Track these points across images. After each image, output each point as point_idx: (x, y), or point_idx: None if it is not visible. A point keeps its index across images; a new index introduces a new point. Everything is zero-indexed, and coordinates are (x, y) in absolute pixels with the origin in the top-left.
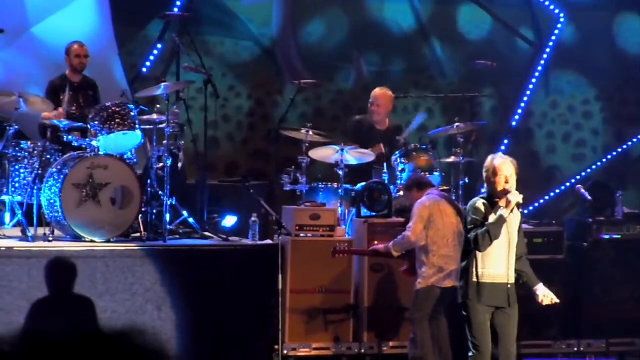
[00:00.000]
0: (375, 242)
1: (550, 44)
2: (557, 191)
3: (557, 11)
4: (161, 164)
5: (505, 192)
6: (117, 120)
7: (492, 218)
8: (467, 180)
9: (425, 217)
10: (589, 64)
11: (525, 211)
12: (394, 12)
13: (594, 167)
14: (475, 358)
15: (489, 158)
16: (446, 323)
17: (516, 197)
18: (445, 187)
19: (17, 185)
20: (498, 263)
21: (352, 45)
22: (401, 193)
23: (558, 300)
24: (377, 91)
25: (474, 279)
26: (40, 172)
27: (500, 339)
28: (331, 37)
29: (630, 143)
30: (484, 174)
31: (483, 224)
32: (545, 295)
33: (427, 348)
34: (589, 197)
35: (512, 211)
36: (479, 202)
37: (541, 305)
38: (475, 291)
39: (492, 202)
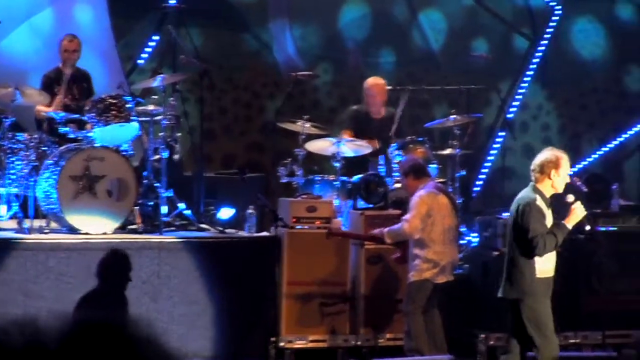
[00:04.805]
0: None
1: (547, 36)
2: None
3: (553, 3)
4: (157, 156)
5: (567, 191)
6: (113, 112)
7: (558, 230)
8: (463, 173)
9: (423, 212)
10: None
11: None
12: (390, 4)
13: (589, 159)
14: (546, 347)
15: (549, 151)
16: (440, 315)
17: (583, 212)
18: (441, 180)
19: (13, 177)
20: (552, 256)
21: (348, 37)
22: (397, 185)
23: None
24: (370, 81)
25: (538, 275)
26: (36, 164)
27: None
28: (327, 28)
29: (626, 135)
30: (544, 168)
31: (548, 230)
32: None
33: (421, 340)
34: (585, 189)
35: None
36: (540, 203)
37: None
38: (539, 286)
39: (545, 198)
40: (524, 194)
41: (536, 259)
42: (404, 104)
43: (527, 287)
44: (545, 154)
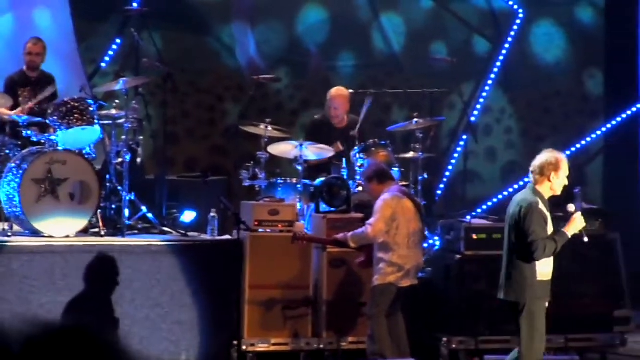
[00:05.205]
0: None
1: (509, 39)
2: (516, 186)
3: (515, 7)
4: (120, 159)
5: (567, 196)
6: (75, 116)
7: (559, 237)
8: (425, 176)
9: (387, 216)
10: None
11: (484, 207)
12: (352, 7)
13: None
14: (531, 352)
15: (549, 153)
16: (403, 319)
17: (582, 223)
18: (404, 183)
19: None
20: (550, 260)
21: (310, 41)
22: (360, 188)
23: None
24: (333, 92)
25: (538, 278)
26: None
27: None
28: (289, 32)
29: (589, 139)
30: (544, 170)
31: (549, 235)
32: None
33: (384, 344)
34: None
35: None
36: (541, 206)
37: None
38: (538, 289)
39: (545, 201)
40: (524, 196)
41: (539, 262)
42: (368, 108)
43: (528, 289)
44: (545, 156)
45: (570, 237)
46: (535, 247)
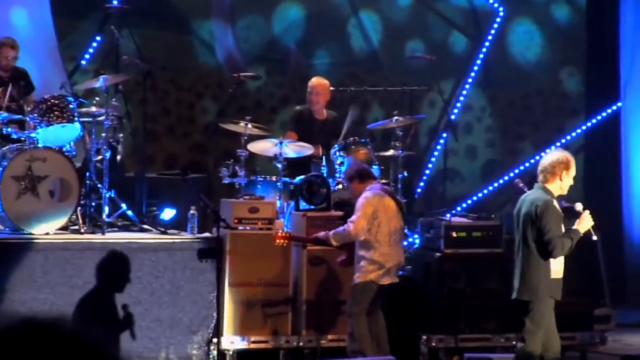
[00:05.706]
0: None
1: (489, 37)
2: (495, 185)
3: (496, 5)
4: (100, 157)
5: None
6: (56, 113)
7: (573, 235)
8: (405, 174)
9: (369, 213)
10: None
11: (464, 204)
12: (332, 4)
13: (532, 160)
14: (531, 347)
15: (559, 152)
16: (383, 317)
17: (591, 221)
18: (384, 181)
19: None
20: (562, 258)
21: (290, 38)
22: (340, 186)
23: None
24: (314, 81)
25: (552, 276)
26: None
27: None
28: (269, 29)
29: (569, 137)
30: (555, 169)
31: (562, 232)
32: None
33: (365, 342)
34: (527, 191)
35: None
36: (556, 203)
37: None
38: (551, 287)
39: (556, 199)
40: (537, 195)
41: (552, 260)
42: (352, 120)
43: (542, 287)
44: (556, 155)
45: (582, 234)
46: (553, 245)
